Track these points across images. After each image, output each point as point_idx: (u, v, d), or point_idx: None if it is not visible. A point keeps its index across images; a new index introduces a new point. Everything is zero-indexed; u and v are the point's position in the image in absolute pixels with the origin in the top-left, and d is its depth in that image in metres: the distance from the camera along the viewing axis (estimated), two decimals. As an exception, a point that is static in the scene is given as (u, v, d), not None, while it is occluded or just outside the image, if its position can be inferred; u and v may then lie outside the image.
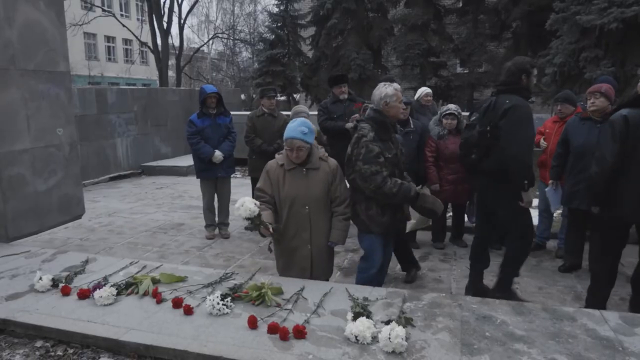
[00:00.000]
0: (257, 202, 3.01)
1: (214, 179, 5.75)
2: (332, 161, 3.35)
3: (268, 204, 3.25)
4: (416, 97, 6.22)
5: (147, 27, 22.27)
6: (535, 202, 5.56)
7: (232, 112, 6.11)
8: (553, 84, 9.07)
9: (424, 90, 5.93)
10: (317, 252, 3.34)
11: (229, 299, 2.87)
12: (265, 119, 5.82)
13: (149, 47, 22.75)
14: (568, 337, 2.47)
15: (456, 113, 5.07)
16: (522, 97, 3.52)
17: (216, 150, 5.57)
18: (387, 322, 2.53)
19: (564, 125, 4.83)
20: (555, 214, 5.34)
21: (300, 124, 3.16)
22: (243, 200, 2.96)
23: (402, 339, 2.36)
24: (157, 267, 3.56)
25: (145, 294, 3.08)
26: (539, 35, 12.09)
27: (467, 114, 4.63)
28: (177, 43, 24.53)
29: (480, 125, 3.67)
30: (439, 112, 5.40)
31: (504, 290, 3.81)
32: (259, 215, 3.00)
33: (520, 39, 13.69)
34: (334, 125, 5.63)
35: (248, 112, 6.98)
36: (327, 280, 3.46)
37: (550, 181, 4.68)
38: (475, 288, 4.03)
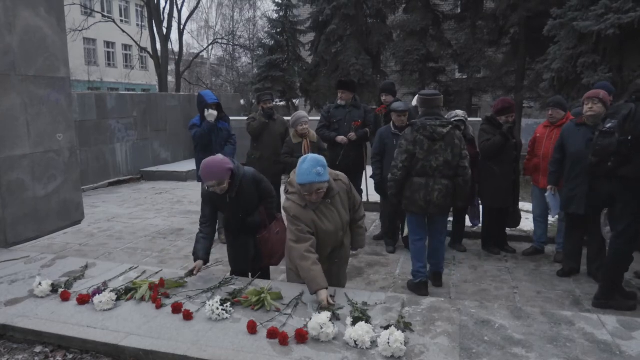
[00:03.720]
0: (329, 313, 2.70)
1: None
2: (342, 175, 3.26)
3: (313, 249, 2.99)
4: (414, 103, 6.27)
5: (146, 32, 22.32)
6: (530, 206, 5.59)
7: (231, 118, 6.13)
8: (551, 90, 9.10)
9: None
10: (342, 263, 3.36)
11: (228, 304, 2.88)
12: (262, 122, 5.90)
13: (148, 52, 22.80)
14: (566, 341, 2.48)
15: (464, 119, 5.12)
16: None
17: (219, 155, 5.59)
18: (386, 327, 2.54)
19: (555, 130, 4.87)
20: (551, 220, 5.36)
21: (314, 164, 2.90)
22: (317, 326, 2.57)
23: (401, 343, 2.37)
24: (156, 273, 3.56)
25: (143, 299, 3.09)
26: (537, 41, 12.13)
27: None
28: (176, 48, 24.61)
29: (620, 134, 3.64)
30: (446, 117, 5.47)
31: (609, 296, 3.91)
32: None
33: (518, 44, 13.73)
34: (327, 135, 5.75)
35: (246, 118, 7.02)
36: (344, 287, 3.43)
37: (549, 186, 4.70)
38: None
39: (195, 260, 3.40)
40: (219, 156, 3.40)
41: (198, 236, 3.48)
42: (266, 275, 3.73)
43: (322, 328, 2.53)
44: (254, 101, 21.99)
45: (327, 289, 2.91)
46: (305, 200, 3.00)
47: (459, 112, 5.21)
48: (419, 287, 4.28)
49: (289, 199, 3.11)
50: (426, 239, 4.41)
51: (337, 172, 3.28)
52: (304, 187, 2.92)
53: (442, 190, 4.07)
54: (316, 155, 3.02)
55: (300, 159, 3.00)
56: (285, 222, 3.24)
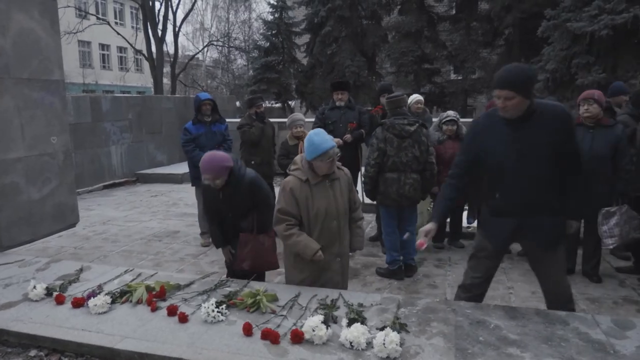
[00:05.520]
0: (321, 316, 2.67)
1: (208, 186, 5.74)
2: (346, 170, 3.33)
3: (294, 227, 3.09)
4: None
5: (141, 34, 22.30)
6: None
7: (227, 120, 6.13)
8: (546, 90, 9.15)
9: (414, 97, 6.00)
10: (345, 263, 3.35)
11: (223, 306, 2.87)
12: (256, 126, 5.92)
13: (143, 54, 22.76)
14: (560, 340, 2.48)
15: (455, 119, 5.25)
16: None
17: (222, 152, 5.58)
18: (382, 328, 2.54)
19: None
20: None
21: (324, 132, 3.10)
22: (309, 329, 2.53)
23: (397, 344, 2.37)
24: (152, 275, 3.55)
25: (139, 301, 3.08)
26: (531, 42, 12.21)
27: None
28: (171, 50, 24.55)
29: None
30: (438, 118, 5.53)
31: None
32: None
33: (512, 45, 13.83)
34: None
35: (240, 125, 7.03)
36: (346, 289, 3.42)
37: None
38: None
39: (219, 247, 3.74)
40: (222, 153, 3.47)
41: (211, 229, 3.75)
42: (261, 278, 3.73)
43: (314, 331, 2.52)
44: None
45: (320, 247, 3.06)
46: (310, 173, 3.07)
47: (450, 113, 5.38)
48: (396, 272, 4.73)
49: (290, 174, 3.18)
50: (397, 231, 4.79)
51: (342, 166, 3.35)
52: (325, 155, 2.99)
53: (412, 184, 4.50)
54: (320, 129, 3.17)
55: (308, 136, 3.09)
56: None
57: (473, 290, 3.17)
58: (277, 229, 3.13)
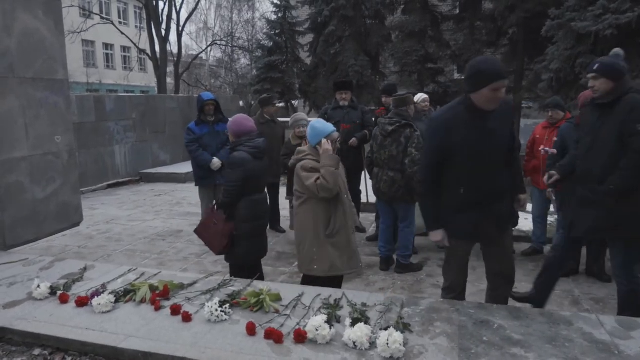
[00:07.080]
0: (324, 316, 2.69)
1: (212, 186, 5.76)
2: None
3: None
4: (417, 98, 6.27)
5: (145, 34, 22.34)
6: (529, 207, 5.58)
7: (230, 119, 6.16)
8: (550, 90, 9.11)
9: (420, 96, 5.97)
10: (353, 238, 3.57)
11: (227, 305, 2.87)
12: (269, 125, 5.96)
13: (147, 54, 22.81)
14: (565, 341, 2.48)
15: None
16: None
17: (214, 158, 5.59)
18: (385, 328, 2.53)
19: (555, 130, 4.86)
20: (551, 220, 5.35)
21: (323, 120, 3.54)
22: (313, 328, 2.54)
23: (400, 344, 2.37)
24: (155, 275, 3.56)
25: (142, 301, 3.09)
26: (535, 41, 12.15)
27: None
28: (175, 50, 24.62)
29: None
30: None
31: None
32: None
33: (516, 45, 13.75)
34: None
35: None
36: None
37: (549, 189, 4.66)
38: None
39: None
40: (252, 124, 3.85)
41: None
42: (260, 277, 3.76)
43: (317, 330, 2.52)
44: (253, 102, 22.05)
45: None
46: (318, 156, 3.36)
47: None
48: (380, 262, 5.01)
49: (303, 159, 3.41)
50: (392, 225, 4.96)
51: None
52: (329, 137, 3.36)
53: (387, 181, 4.65)
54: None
55: (310, 125, 3.47)
56: (298, 184, 3.43)
57: (455, 288, 3.24)
58: (322, 185, 3.23)
